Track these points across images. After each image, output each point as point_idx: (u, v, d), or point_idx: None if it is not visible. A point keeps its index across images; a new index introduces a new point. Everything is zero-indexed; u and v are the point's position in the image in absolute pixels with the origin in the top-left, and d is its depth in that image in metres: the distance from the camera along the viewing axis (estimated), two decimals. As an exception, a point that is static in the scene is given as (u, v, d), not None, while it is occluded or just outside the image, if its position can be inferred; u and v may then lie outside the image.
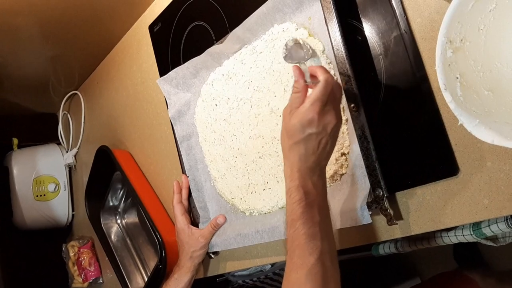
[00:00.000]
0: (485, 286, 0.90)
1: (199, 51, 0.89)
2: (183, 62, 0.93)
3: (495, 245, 0.82)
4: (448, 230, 0.80)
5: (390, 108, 0.64)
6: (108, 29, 1.22)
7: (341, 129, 0.68)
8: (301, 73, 0.61)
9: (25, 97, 1.49)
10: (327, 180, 0.71)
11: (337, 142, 0.69)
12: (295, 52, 0.67)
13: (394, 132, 0.64)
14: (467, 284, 0.90)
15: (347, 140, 0.68)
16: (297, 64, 0.64)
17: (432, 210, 0.61)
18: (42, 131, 1.59)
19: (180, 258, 0.93)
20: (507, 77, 0.50)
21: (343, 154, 0.69)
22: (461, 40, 0.48)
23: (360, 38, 0.68)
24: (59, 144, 1.55)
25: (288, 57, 0.67)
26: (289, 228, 0.57)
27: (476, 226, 0.76)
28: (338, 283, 0.55)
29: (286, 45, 0.67)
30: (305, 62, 0.67)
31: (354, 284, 1.48)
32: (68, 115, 1.55)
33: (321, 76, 0.59)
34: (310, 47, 0.70)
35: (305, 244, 0.54)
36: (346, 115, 0.68)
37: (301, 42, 0.69)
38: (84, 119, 1.46)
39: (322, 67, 0.61)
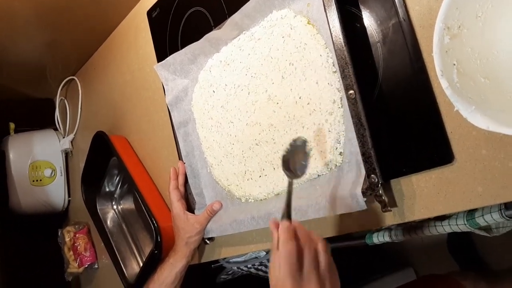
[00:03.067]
0: None
1: (197, 37, 0.88)
2: (181, 48, 0.93)
3: (488, 235, 0.83)
4: (442, 219, 0.81)
5: (387, 96, 0.64)
6: (105, 15, 1.21)
7: (337, 116, 0.69)
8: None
9: (22, 82, 1.48)
10: (322, 167, 0.71)
11: (333, 130, 0.69)
12: (297, 156, 0.67)
13: (390, 119, 0.64)
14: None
15: (343, 127, 0.68)
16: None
17: (426, 197, 0.61)
18: (39, 116, 1.59)
19: (176, 244, 0.94)
20: (503, 65, 0.50)
21: (338, 141, 0.69)
22: (459, 26, 0.48)
23: (358, 25, 0.67)
24: (56, 129, 1.55)
25: (288, 155, 0.67)
26: None
27: (470, 215, 0.76)
28: None
29: (294, 141, 0.67)
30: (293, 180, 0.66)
31: (348, 272, 1.49)
32: (65, 100, 1.54)
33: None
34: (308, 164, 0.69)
35: None
36: (343, 102, 0.68)
37: (307, 152, 0.69)
38: (81, 105, 1.45)
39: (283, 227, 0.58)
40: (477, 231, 0.80)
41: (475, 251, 1.42)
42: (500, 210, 0.71)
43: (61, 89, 1.54)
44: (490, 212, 0.72)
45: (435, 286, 0.94)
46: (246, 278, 1.31)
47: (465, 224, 0.77)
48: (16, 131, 1.48)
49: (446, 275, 0.98)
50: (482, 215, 0.74)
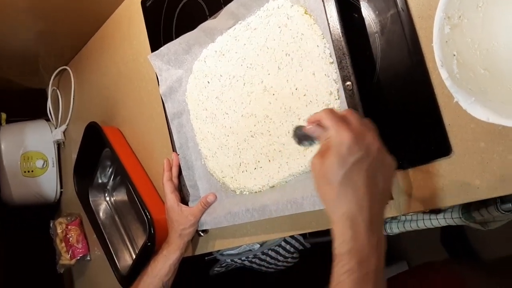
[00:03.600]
0: (474, 278, 0.90)
1: (192, 27, 0.87)
2: (176, 38, 0.91)
3: (483, 229, 0.83)
4: (437, 212, 0.81)
5: (385, 87, 0.64)
6: (99, 4, 1.19)
7: (334, 108, 0.68)
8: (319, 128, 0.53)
9: (14, 72, 1.46)
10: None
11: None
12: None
13: (388, 111, 0.63)
14: (456, 279, 0.90)
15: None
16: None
17: (423, 190, 0.60)
18: (31, 107, 1.57)
19: (169, 236, 0.93)
20: (503, 57, 0.49)
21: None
22: (459, 17, 0.48)
23: (356, 15, 0.67)
24: (48, 120, 1.53)
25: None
26: None
27: (465, 209, 0.76)
28: None
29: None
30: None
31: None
32: (58, 91, 1.52)
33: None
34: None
35: None
36: (340, 94, 0.67)
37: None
38: (73, 95, 1.44)
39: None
40: (472, 225, 0.80)
41: (469, 245, 1.43)
42: (496, 203, 0.71)
43: (54, 79, 1.52)
44: (486, 206, 0.72)
45: (434, 272, 0.93)
46: (239, 271, 1.31)
47: (460, 218, 0.77)
48: (8, 121, 1.46)
49: (443, 261, 0.97)
50: (478, 209, 0.74)
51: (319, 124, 0.53)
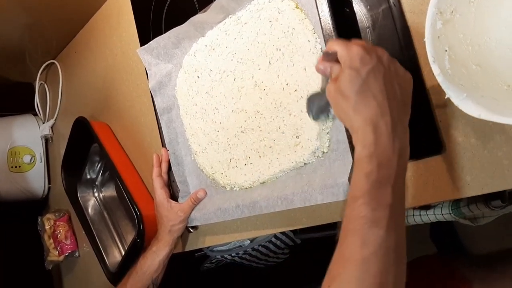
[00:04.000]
0: (465, 271, 0.91)
1: (181, 21, 0.86)
2: (165, 32, 0.90)
3: (472, 224, 0.83)
4: (427, 208, 0.81)
5: (376, 83, 0.63)
6: (87, -4, 1.18)
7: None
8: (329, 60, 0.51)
9: (1, 66, 1.43)
10: (309, 155, 0.70)
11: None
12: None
13: (379, 107, 0.63)
14: (448, 269, 0.91)
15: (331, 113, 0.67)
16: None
17: (414, 187, 0.60)
18: (18, 101, 1.54)
19: (159, 232, 0.92)
20: (495, 53, 0.49)
21: (325, 129, 0.68)
22: (452, 12, 0.47)
23: (348, 10, 0.66)
24: (35, 114, 1.51)
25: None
26: (347, 207, 0.45)
27: (455, 205, 0.76)
28: None
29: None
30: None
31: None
32: (45, 85, 1.50)
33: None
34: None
35: (361, 230, 0.41)
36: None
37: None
38: (61, 90, 1.41)
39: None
40: (462, 221, 0.80)
41: (459, 240, 1.43)
42: (486, 200, 0.71)
43: (41, 73, 1.49)
44: (476, 202, 0.72)
45: (428, 266, 0.94)
46: (230, 267, 1.30)
47: (450, 214, 0.77)
48: (-6, 116, 1.44)
49: (435, 255, 0.97)
50: (467, 205, 0.74)
51: (327, 60, 0.51)
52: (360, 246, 0.41)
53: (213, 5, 0.81)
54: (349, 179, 0.60)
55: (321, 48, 0.68)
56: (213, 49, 0.84)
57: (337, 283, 0.41)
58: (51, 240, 1.35)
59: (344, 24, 0.64)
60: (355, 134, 0.47)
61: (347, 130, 0.62)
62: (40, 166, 1.43)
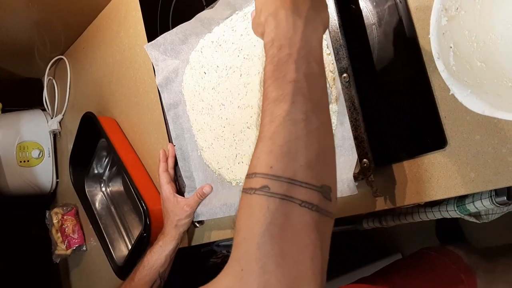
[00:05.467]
0: (469, 262, 0.91)
1: (188, 17, 0.86)
2: (172, 28, 0.91)
3: (478, 221, 0.83)
4: (432, 205, 0.81)
5: (381, 79, 0.63)
6: (95, -8, 1.18)
7: (330, 100, 0.68)
8: None
9: (10, 62, 1.45)
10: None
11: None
12: None
13: (384, 104, 0.63)
14: (453, 259, 0.91)
15: (336, 110, 0.67)
16: None
17: (418, 182, 0.60)
18: (27, 96, 1.56)
19: (165, 227, 0.93)
20: (500, 50, 0.49)
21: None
22: (457, 8, 0.47)
23: (354, 6, 0.66)
24: (44, 110, 1.52)
25: None
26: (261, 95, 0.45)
27: (460, 202, 0.76)
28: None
29: None
30: None
31: (338, 257, 1.50)
32: (54, 80, 1.51)
33: None
34: None
35: (270, 109, 0.42)
36: (336, 86, 0.67)
37: None
38: (69, 85, 1.43)
39: None
40: (467, 218, 0.80)
41: (464, 237, 1.43)
42: (491, 196, 0.71)
43: (49, 69, 1.50)
44: (481, 199, 0.72)
45: (431, 256, 0.94)
46: (235, 262, 1.31)
47: (455, 211, 0.77)
48: (4, 111, 1.45)
49: (439, 246, 0.98)
50: (473, 202, 0.74)
51: None
52: (269, 123, 0.41)
53: (220, 1, 0.81)
54: (354, 175, 0.61)
55: (326, 45, 0.68)
56: (220, 45, 0.85)
57: (253, 157, 0.41)
58: (59, 234, 1.37)
59: (350, 20, 0.65)
60: (265, 34, 0.46)
61: (352, 127, 0.62)
62: (48, 161, 1.45)
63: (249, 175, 0.41)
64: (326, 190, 0.40)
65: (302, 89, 0.42)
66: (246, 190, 0.40)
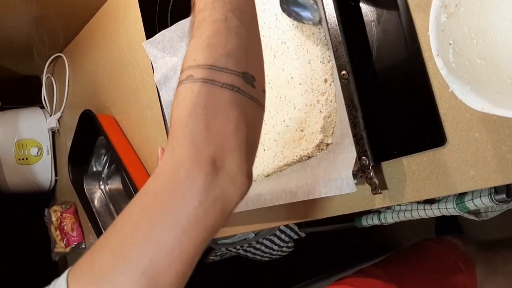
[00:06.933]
0: (467, 251, 0.91)
1: (187, 14, 0.86)
2: (171, 25, 0.90)
3: (477, 219, 0.83)
4: (431, 202, 0.81)
5: (380, 76, 0.63)
6: (94, -10, 1.18)
7: (329, 97, 0.67)
8: None
9: (8, 59, 1.45)
10: (313, 148, 0.70)
11: (324, 110, 0.68)
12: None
13: (383, 101, 0.63)
14: (451, 248, 0.91)
15: (335, 108, 0.67)
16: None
17: (417, 180, 0.60)
18: (25, 94, 1.56)
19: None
20: (500, 47, 0.49)
21: (330, 122, 0.68)
22: (456, 5, 0.47)
23: (353, 3, 0.66)
24: (42, 107, 1.52)
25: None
26: None
27: (460, 199, 0.76)
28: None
29: None
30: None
31: (337, 255, 1.51)
32: (52, 78, 1.51)
33: None
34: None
35: (195, 19, 0.47)
36: (335, 82, 0.67)
37: None
38: (68, 83, 1.42)
39: None
40: (466, 215, 0.80)
41: (463, 235, 1.43)
42: (490, 194, 0.71)
43: (48, 66, 1.50)
44: (480, 197, 0.72)
45: (429, 245, 0.94)
46: (234, 259, 1.31)
47: (454, 208, 0.77)
48: (2, 108, 1.44)
49: (437, 237, 0.98)
50: (472, 199, 0.74)
51: None
52: (195, 29, 0.46)
53: (218, -1, 0.81)
54: (353, 173, 0.61)
55: (326, 42, 0.68)
56: (218, 43, 0.85)
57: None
58: (58, 232, 1.37)
59: (349, 17, 0.64)
60: None
61: (351, 124, 0.62)
62: (47, 159, 1.45)
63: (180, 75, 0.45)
64: (249, 77, 0.44)
65: (237, 8, 0.46)
66: (177, 86, 0.44)
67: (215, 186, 0.40)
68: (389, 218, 0.87)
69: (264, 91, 0.47)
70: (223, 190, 0.40)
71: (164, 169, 0.41)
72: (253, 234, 1.14)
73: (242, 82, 0.43)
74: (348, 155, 0.64)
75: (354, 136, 0.62)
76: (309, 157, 0.72)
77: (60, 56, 1.46)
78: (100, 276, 0.38)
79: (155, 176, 0.41)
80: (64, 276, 0.40)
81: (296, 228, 1.19)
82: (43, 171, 1.44)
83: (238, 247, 1.17)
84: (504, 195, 0.69)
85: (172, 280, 0.38)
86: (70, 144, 1.26)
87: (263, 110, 0.47)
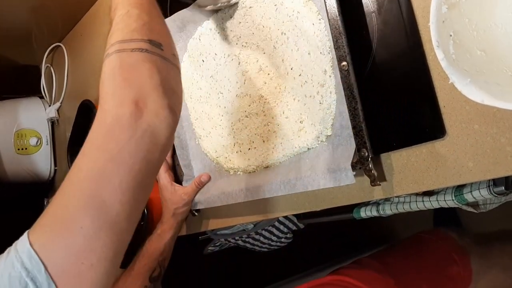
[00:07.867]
0: (462, 243, 0.92)
1: (186, 4, 0.86)
2: (170, 15, 0.90)
3: (475, 211, 0.83)
4: (430, 194, 0.81)
5: (380, 68, 0.63)
6: (93, -21, 1.17)
7: (329, 88, 0.67)
8: None
9: (7, 49, 1.44)
10: (312, 140, 0.70)
11: (324, 102, 0.68)
12: None
13: (383, 93, 0.62)
14: (445, 239, 0.92)
15: (334, 100, 0.67)
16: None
17: (416, 172, 0.60)
18: (24, 84, 1.55)
19: (163, 215, 0.93)
20: (500, 38, 0.49)
21: (329, 114, 0.68)
22: (457, -4, 0.47)
23: (353, -6, 0.65)
24: (41, 97, 1.52)
25: None
26: None
27: (458, 191, 0.76)
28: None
29: None
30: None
31: (335, 246, 1.52)
32: (51, 68, 1.51)
33: None
34: None
35: (113, 21, 0.56)
36: (335, 73, 0.67)
37: None
38: (67, 73, 1.42)
39: None
40: (465, 207, 0.80)
41: (462, 227, 1.44)
42: (489, 186, 0.71)
43: (47, 56, 1.50)
44: (479, 188, 0.72)
45: (425, 238, 0.95)
46: (233, 250, 1.32)
47: (453, 200, 0.77)
48: (1, 98, 1.44)
49: (432, 229, 0.99)
50: (471, 191, 0.74)
51: None
52: (114, 25, 0.56)
53: (218, -12, 0.80)
54: (352, 164, 0.61)
55: (326, 33, 0.67)
56: (218, 33, 0.84)
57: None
58: (57, 222, 1.37)
59: (349, 8, 0.64)
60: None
61: (350, 116, 0.62)
62: (46, 149, 1.45)
63: None
64: (155, 43, 0.53)
65: (135, 3, 0.57)
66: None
67: (142, 122, 0.47)
68: (387, 210, 0.88)
69: (174, 55, 0.56)
70: (149, 124, 0.48)
71: (96, 120, 0.48)
72: (252, 225, 1.14)
73: (149, 45, 0.52)
74: (347, 146, 0.64)
75: (354, 127, 0.62)
76: (308, 149, 0.72)
77: (59, 45, 1.45)
78: (54, 215, 0.47)
79: (91, 130, 0.48)
80: (25, 233, 0.47)
81: (295, 219, 1.19)
82: (42, 161, 1.44)
83: (237, 237, 1.18)
84: (503, 188, 0.69)
85: (118, 210, 0.45)
86: (70, 134, 1.26)
87: (178, 69, 0.56)
